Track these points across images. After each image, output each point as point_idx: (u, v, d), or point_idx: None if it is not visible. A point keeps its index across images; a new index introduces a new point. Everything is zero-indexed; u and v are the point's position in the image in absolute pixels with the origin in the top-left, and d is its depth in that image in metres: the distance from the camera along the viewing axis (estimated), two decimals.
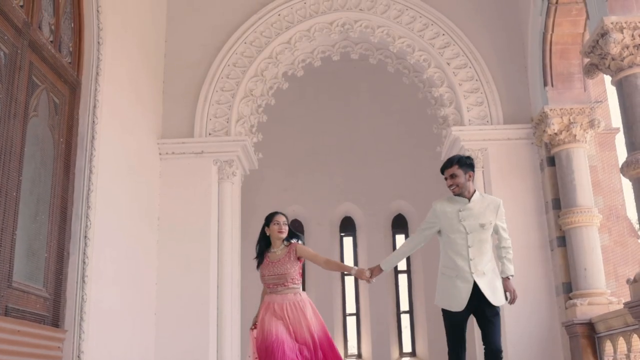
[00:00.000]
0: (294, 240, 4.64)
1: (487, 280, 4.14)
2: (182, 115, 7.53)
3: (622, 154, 14.41)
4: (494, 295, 4.13)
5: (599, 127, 7.06)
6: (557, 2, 6.76)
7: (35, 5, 4.92)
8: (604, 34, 5.45)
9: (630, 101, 5.37)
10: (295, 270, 4.51)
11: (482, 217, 4.22)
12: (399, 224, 10.91)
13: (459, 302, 4.13)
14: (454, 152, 7.57)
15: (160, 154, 7.34)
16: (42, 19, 5.06)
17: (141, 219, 6.72)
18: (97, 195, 5.53)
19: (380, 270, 4.38)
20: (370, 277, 4.38)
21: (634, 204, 5.41)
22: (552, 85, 7.06)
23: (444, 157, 7.99)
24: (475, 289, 4.11)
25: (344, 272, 10.87)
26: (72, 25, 5.62)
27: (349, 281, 10.89)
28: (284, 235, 4.58)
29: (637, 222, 13.82)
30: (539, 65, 7.13)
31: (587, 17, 5.95)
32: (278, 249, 4.57)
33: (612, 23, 5.39)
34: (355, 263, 10.68)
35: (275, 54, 7.75)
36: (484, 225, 4.19)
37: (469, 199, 4.26)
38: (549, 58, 7.06)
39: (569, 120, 6.95)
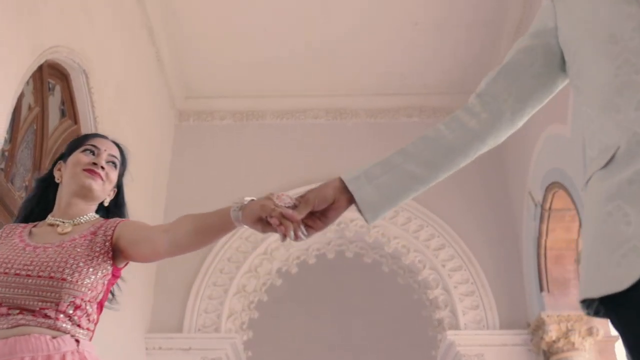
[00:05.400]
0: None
1: None
2: (172, 309, 7.39)
3: None
4: None
5: (597, 335, 6.91)
6: (550, 209, 6.88)
7: None
8: None
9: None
10: (96, 282, 1.77)
11: None
12: None
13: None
14: (450, 357, 7.36)
15: (147, 348, 7.10)
16: None
17: None
18: None
19: (344, 192, 1.52)
20: (297, 217, 1.49)
21: None
22: (548, 291, 7.00)
23: None
24: None
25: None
26: None
27: None
28: (99, 183, 1.94)
29: None
30: (534, 269, 7.12)
31: (580, 225, 6.03)
32: (71, 222, 1.88)
33: None
34: None
35: (270, 250, 7.77)
36: None
37: None
38: (544, 263, 7.06)
39: (567, 327, 6.81)
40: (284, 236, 1.49)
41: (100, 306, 1.86)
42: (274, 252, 7.78)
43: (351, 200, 1.53)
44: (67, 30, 5.05)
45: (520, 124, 1.57)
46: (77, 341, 1.74)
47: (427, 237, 7.73)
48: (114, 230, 1.85)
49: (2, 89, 4.05)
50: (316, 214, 1.54)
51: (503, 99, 1.52)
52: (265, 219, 1.52)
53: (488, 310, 7.31)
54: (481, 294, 7.37)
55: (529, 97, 1.53)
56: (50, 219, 1.92)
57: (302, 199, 1.52)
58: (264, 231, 1.57)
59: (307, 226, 1.53)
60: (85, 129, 5.72)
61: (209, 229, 1.76)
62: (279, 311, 9.94)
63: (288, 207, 1.50)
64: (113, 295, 1.99)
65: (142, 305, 7.14)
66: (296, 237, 1.49)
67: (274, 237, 7.75)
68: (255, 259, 7.71)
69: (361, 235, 7.90)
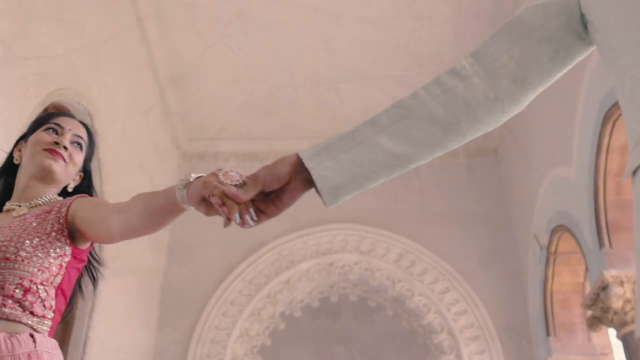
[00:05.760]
0: None
1: None
2: (174, 353, 7.28)
3: None
4: None
5: None
6: (555, 252, 6.82)
7: None
8: (604, 287, 5.41)
9: (637, 357, 5.19)
10: (47, 262, 1.53)
11: None
12: None
13: None
14: None
15: None
16: None
17: None
18: None
19: (300, 171, 1.24)
20: (244, 196, 1.22)
21: None
22: (555, 335, 6.90)
23: None
24: None
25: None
26: None
27: None
28: (61, 164, 1.72)
29: None
30: (541, 314, 7.04)
31: (587, 269, 5.97)
32: (27, 205, 1.68)
33: (612, 276, 5.37)
34: None
35: (274, 294, 7.70)
36: None
37: None
38: (550, 307, 6.97)
39: None
40: (228, 220, 1.22)
41: (62, 292, 1.59)
42: (277, 295, 7.71)
43: (309, 180, 1.23)
44: (73, 72, 5.08)
45: (524, 99, 1.21)
46: (34, 341, 1.46)
47: (431, 280, 7.66)
48: (68, 208, 1.62)
49: (7, 131, 4.05)
50: (270, 196, 1.26)
51: (502, 63, 1.19)
52: (208, 198, 1.25)
53: (494, 355, 7.20)
54: (487, 339, 7.27)
55: (536, 66, 1.19)
56: (7, 205, 1.71)
57: (251, 177, 1.25)
58: (207, 214, 1.29)
59: (258, 210, 1.26)
60: None
61: (157, 210, 1.50)
62: (282, 355, 9.79)
63: (234, 185, 1.24)
64: (94, 282, 1.82)
65: (144, 349, 7.06)
66: (243, 223, 1.22)
67: (277, 280, 7.69)
68: (258, 302, 7.64)
69: (365, 279, 7.83)
